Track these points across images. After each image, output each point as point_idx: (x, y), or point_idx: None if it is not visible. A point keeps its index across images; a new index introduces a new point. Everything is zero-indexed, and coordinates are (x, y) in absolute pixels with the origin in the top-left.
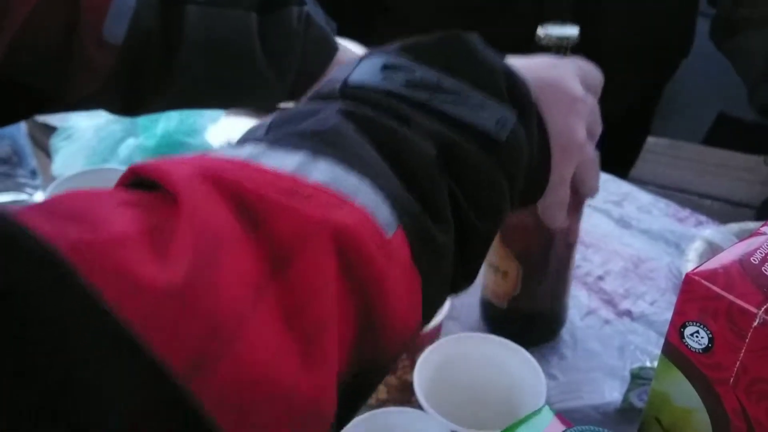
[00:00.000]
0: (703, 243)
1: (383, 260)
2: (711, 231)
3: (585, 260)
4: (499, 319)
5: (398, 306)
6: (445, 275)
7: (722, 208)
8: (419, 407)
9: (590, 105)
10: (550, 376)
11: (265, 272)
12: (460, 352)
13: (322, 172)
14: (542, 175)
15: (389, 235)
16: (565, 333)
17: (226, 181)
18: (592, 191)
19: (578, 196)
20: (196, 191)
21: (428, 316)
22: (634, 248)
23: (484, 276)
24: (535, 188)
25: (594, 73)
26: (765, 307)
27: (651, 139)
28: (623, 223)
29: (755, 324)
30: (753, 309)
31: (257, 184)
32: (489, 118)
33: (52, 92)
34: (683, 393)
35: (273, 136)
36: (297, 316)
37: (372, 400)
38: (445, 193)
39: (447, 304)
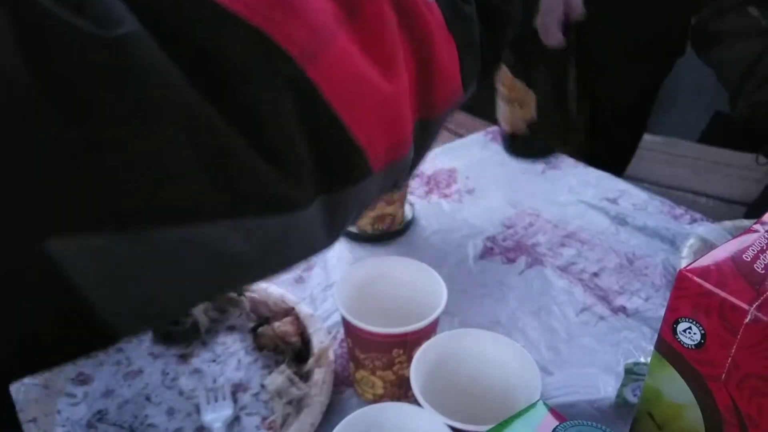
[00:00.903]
0: (698, 240)
1: (430, 16)
2: (705, 228)
3: (580, 257)
4: (523, 144)
5: (444, 63)
6: (476, 46)
7: (717, 206)
8: (416, 402)
9: None
10: (545, 371)
11: (341, 13)
12: (457, 348)
13: None
14: None
15: None
16: (560, 329)
17: None
18: (579, 9)
19: (567, 19)
20: None
21: (467, 84)
22: (629, 245)
23: (501, 112)
24: (528, 7)
25: None
26: (757, 303)
27: (647, 137)
28: (619, 220)
29: (747, 320)
30: (745, 306)
31: None
32: None
33: None
34: (676, 389)
35: None
36: (372, 47)
37: (369, 396)
38: None
39: (443, 299)
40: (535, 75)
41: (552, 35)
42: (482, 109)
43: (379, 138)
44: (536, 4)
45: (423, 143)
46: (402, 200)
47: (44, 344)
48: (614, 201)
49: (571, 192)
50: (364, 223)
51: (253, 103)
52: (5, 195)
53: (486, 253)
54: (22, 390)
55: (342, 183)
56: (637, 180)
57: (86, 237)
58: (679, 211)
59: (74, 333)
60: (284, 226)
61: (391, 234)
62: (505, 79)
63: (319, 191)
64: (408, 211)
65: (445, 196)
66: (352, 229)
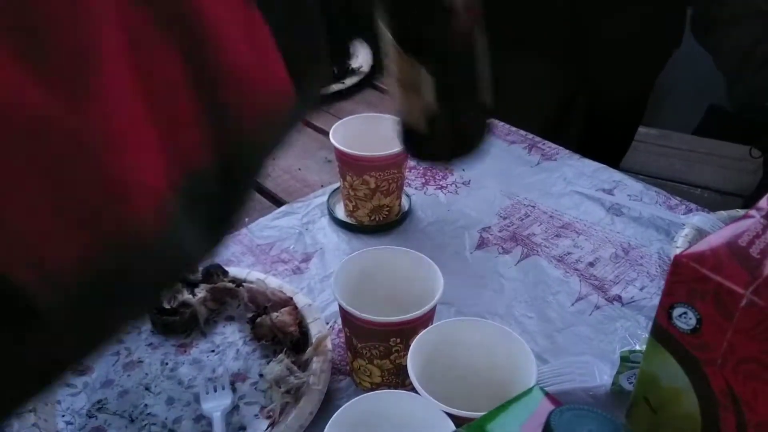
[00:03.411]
0: (693, 230)
1: None
2: (700, 218)
3: (576, 247)
4: (416, 141)
5: (236, 50)
6: (305, 19)
7: (712, 197)
8: (413, 391)
9: None
10: (541, 360)
11: None
12: (453, 337)
13: None
14: None
15: None
16: (556, 318)
17: None
18: None
19: None
20: None
21: (301, 73)
22: (625, 235)
23: (396, 99)
24: None
25: None
26: (752, 288)
27: (642, 129)
28: (614, 210)
29: (742, 304)
30: (740, 290)
31: None
32: None
33: None
34: (671, 374)
35: None
36: (33, 43)
37: (366, 384)
38: None
39: (440, 289)
40: (429, 45)
41: None
42: None
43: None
44: None
45: (231, 192)
46: (399, 192)
47: None
48: (610, 192)
49: (567, 183)
50: (362, 214)
51: None
52: None
53: (482, 243)
54: None
55: None
56: (632, 172)
57: None
58: (674, 201)
59: None
60: None
61: (388, 225)
62: (392, 52)
63: None
64: (404, 202)
65: (442, 187)
66: (350, 220)
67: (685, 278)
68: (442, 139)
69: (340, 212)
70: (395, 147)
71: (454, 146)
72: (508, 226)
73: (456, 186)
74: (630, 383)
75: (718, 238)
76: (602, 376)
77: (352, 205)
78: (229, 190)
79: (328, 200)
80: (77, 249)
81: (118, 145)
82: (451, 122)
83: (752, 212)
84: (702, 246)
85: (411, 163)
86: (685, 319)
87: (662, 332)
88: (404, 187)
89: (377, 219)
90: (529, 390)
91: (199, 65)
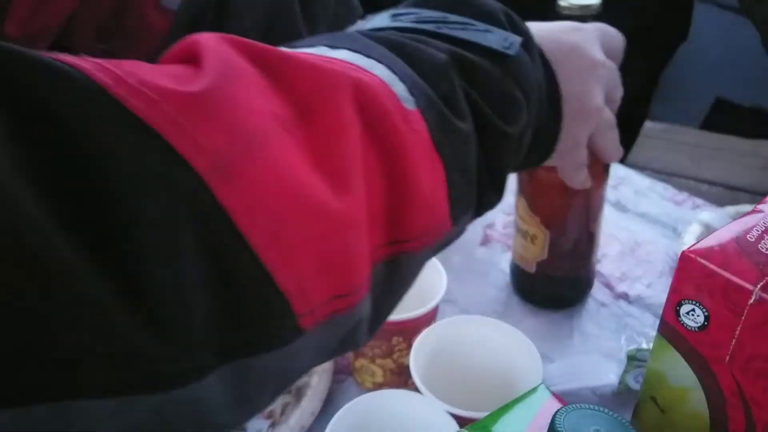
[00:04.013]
0: (700, 226)
1: (404, 126)
2: (708, 214)
3: None
4: (528, 284)
5: (424, 186)
6: (470, 168)
7: (719, 193)
8: (416, 390)
9: (610, 70)
10: (547, 359)
11: (288, 114)
12: (457, 335)
13: (342, 55)
14: (552, 134)
15: (408, 107)
16: (561, 316)
17: (246, 44)
18: (612, 156)
19: (599, 161)
20: (218, 44)
21: (458, 213)
22: (631, 231)
23: (513, 241)
24: (544, 146)
25: (616, 37)
26: (761, 284)
27: (648, 124)
28: (620, 206)
29: (751, 301)
30: (749, 286)
31: (277, 50)
32: (496, 40)
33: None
34: (679, 372)
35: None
36: (324, 157)
37: (369, 384)
38: (460, 90)
39: (443, 287)
40: (553, 212)
41: (571, 179)
42: None
43: (316, 282)
44: (552, 141)
45: (391, 287)
46: None
47: None
48: (615, 187)
49: None
50: None
51: (132, 234)
52: None
53: (486, 240)
54: None
55: (256, 348)
56: (638, 167)
57: None
58: (681, 197)
59: None
60: (158, 409)
61: None
62: (519, 207)
63: (220, 359)
64: None
65: None
66: None
67: (692, 274)
68: (544, 284)
69: None
70: None
71: (556, 291)
72: (513, 223)
73: None
74: (637, 382)
75: (726, 233)
76: (609, 375)
77: None
78: (389, 289)
79: None
80: (331, 285)
81: (360, 228)
82: (560, 271)
83: (760, 207)
84: (710, 241)
85: None
86: (692, 316)
87: (670, 330)
88: None
89: None
90: (534, 389)
91: (395, 185)
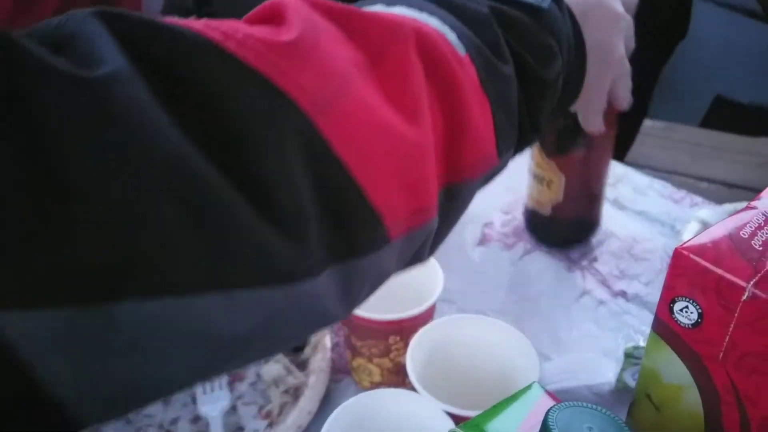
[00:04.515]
0: (698, 224)
1: (459, 68)
2: (706, 211)
3: (579, 242)
4: (544, 226)
5: (476, 121)
6: (512, 108)
7: (719, 191)
8: (413, 389)
9: (628, 22)
10: (544, 357)
11: (363, 60)
12: (454, 334)
13: (398, 10)
14: (577, 80)
15: (460, 53)
16: (559, 314)
17: (320, 3)
18: (624, 102)
19: (612, 108)
20: (298, 3)
21: (502, 149)
22: (629, 229)
23: (528, 187)
24: (571, 92)
25: None
26: (754, 280)
27: (647, 122)
28: (618, 204)
29: (744, 298)
30: (742, 283)
31: (346, 7)
32: None
33: None
34: (673, 369)
35: None
36: (396, 95)
37: (366, 383)
38: (501, 38)
39: (440, 286)
40: (568, 157)
41: (590, 123)
42: None
43: (399, 201)
44: (578, 87)
45: (449, 213)
46: None
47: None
48: (613, 185)
49: None
50: None
51: (256, 158)
52: None
53: (484, 239)
54: None
55: (356, 252)
56: (637, 166)
57: (41, 312)
58: (679, 194)
59: (29, 420)
60: (289, 299)
61: None
62: (536, 155)
63: (329, 261)
64: None
65: None
66: None
67: (685, 271)
68: (559, 225)
69: None
70: None
71: (565, 233)
72: (511, 222)
73: None
74: (634, 380)
75: (719, 230)
76: (606, 373)
77: None
78: (447, 214)
79: None
80: (410, 203)
81: (430, 155)
82: (573, 213)
83: (754, 203)
84: (703, 238)
85: None
86: (686, 313)
87: (663, 327)
88: None
89: None
90: (528, 387)
91: (453, 121)
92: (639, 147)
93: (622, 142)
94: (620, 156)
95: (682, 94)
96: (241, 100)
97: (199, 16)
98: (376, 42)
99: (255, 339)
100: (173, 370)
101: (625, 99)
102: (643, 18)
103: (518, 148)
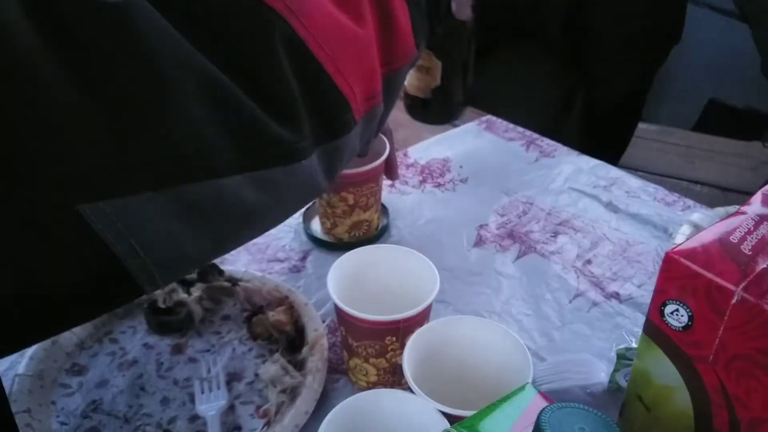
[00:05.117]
0: (690, 227)
1: None
2: (698, 215)
3: (574, 244)
4: (422, 107)
5: (401, 21)
6: (422, 7)
7: (712, 194)
8: (409, 389)
9: None
10: (538, 357)
11: None
12: (450, 335)
13: None
14: None
15: None
16: (553, 315)
17: None
18: None
19: None
20: None
21: (419, 41)
22: (623, 232)
23: (409, 76)
24: None
25: None
26: (743, 284)
27: (641, 126)
28: (612, 207)
29: (734, 301)
30: (731, 287)
31: None
32: None
33: None
34: (664, 371)
35: None
36: (344, 2)
37: (363, 383)
38: None
39: (436, 287)
40: (444, 45)
41: (463, 10)
42: (476, 100)
43: (358, 87)
44: None
45: (389, 98)
46: (377, 205)
47: (81, 297)
48: (607, 188)
49: (565, 180)
50: (341, 231)
51: (254, 62)
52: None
53: (479, 241)
54: (16, 381)
55: (334, 134)
56: (631, 169)
57: (122, 198)
58: (672, 197)
59: (109, 287)
60: (292, 175)
61: (368, 240)
62: None
63: (317, 142)
64: (383, 217)
65: (439, 185)
66: (328, 238)
67: (676, 275)
68: (440, 105)
69: (317, 229)
70: (371, 162)
71: (447, 111)
72: (506, 224)
73: (453, 183)
74: (626, 381)
75: (709, 234)
76: (599, 373)
77: (330, 223)
78: (386, 99)
79: (302, 219)
80: (365, 90)
81: (375, 50)
82: (449, 94)
83: (744, 208)
84: (693, 242)
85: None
86: (677, 316)
87: (654, 329)
88: (393, 193)
89: (357, 235)
90: (522, 388)
91: (385, 21)
92: (633, 150)
93: (616, 145)
94: (615, 159)
95: (675, 98)
96: (238, 15)
97: None
98: None
99: (271, 209)
100: (217, 236)
101: None
102: (637, 23)
103: (428, 38)
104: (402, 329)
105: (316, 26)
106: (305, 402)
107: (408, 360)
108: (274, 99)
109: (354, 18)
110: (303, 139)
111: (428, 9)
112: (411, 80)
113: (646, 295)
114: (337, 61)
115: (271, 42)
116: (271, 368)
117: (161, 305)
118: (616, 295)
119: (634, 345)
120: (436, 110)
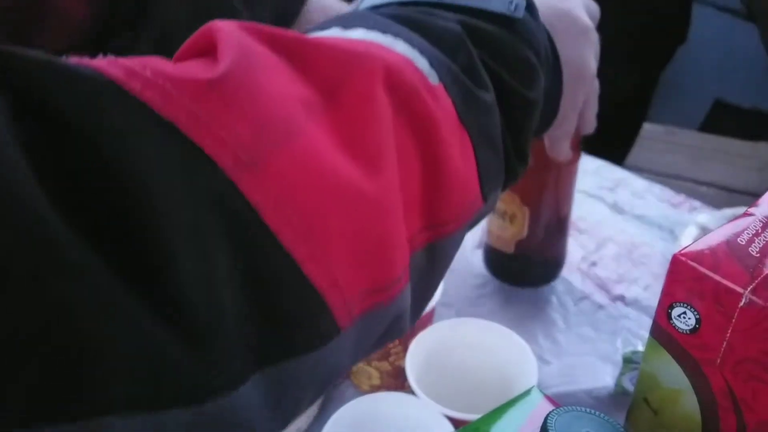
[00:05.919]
0: (697, 228)
1: (433, 102)
2: (705, 216)
3: (579, 246)
4: (506, 264)
5: (456, 162)
6: (496, 141)
7: (718, 195)
8: (412, 393)
9: (596, 36)
10: (543, 361)
11: (314, 99)
12: (453, 338)
13: (358, 34)
14: (555, 100)
15: (433, 82)
16: (558, 318)
17: (263, 30)
18: (590, 125)
19: (578, 132)
20: (234, 30)
21: (488, 190)
22: (628, 234)
23: (488, 223)
24: (549, 114)
25: (594, 5)
26: (751, 287)
27: (647, 126)
28: (617, 208)
29: (741, 304)
30: (739, 289)
31: (295, 34)
32: (500, 4)
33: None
34: (671, 374)
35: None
36: (353, 138)
37: (366, 386)
38: (477, 59)
39: (440, 290)
40: (532, 189)
41: (559, 149)
42: None
43: (351, 277)
44: (556, 108)
45: (429, 276)
46: None
47: None
48: (612, 189)
49: None
50: None
51: (156, 230)
52: None
53: (482, 243)
54: None
55: (293, 352)
56: (637, 169)
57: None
58: (678, 199)
59: None
60: (201, 416)
61: None
62: None
63: (256, 366)
64: None
65: None
66: None
67: (683, 277)
68: (525, 264)
69: None
70: None
71: (535, 271)
72: None
73: None
74: (633, 384)
75: (717, 236)
76: (605, 377)
77: None
78: (429, 275)
79: None
80: (368, 278)
81: (393, 210)
82: (539, 250)
83: (752, 210)
84: (701, 244)
85: None
86: (684, 318)
87: (661, 332)
88: None
89: None
90: (528, 391)
91: (430, 165)
92: (638, 151)
93: (621, 145)
94: (620, 160)
95: (681, 98)
96: (140, 155)
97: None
98: (331, 75)
99: None
100: None
101: (592, 122)
102: (643, 22)
103: (506, 184)
104: (407, 333)
105: (286, 184)
106: None
107: (411, 363)
108: (177, 300)
109: (366, 166)
110: (223, 366)
111: (507, 148)
112: (490, 227)
113: (651, 298)
114: (315, 237)
115: (191, 210)
116: None
117: None
118: (621, 298)
119: (639, 348)
120: (518, 270)
